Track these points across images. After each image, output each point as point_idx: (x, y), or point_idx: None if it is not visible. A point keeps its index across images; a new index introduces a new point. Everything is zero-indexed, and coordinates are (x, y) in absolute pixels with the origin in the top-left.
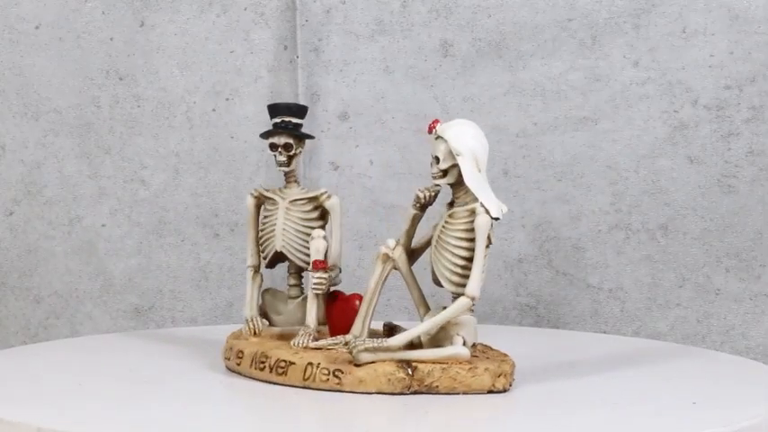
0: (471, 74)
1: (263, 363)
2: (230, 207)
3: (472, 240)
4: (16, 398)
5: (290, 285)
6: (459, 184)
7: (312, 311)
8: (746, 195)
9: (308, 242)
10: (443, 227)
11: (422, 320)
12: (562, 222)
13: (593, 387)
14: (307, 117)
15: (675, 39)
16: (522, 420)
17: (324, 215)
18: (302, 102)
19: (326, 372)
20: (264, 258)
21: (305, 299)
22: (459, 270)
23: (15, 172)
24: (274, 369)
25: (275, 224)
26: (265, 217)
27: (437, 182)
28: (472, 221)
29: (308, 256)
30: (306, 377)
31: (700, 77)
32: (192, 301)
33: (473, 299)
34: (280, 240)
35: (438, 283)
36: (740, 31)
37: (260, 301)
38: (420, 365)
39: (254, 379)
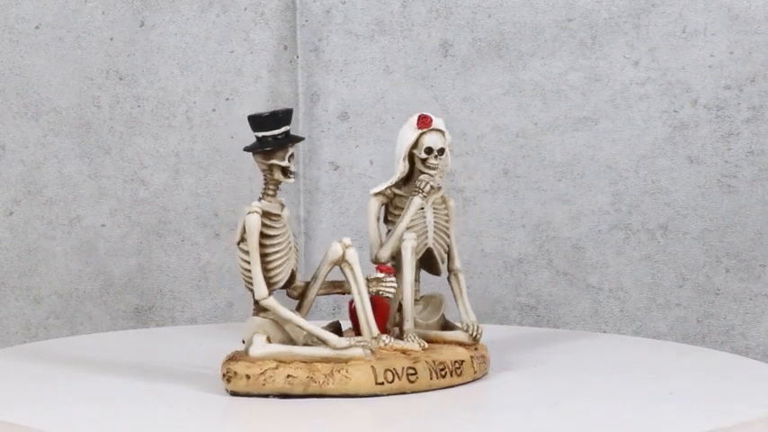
0: (471, 74)
1: (442, 369)
2: (230, 207)
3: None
4: (16, 398)
5: None
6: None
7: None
8: (746, 195)
9: None
10: (435, 213)
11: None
12: (562, 222)
13: (592, 387)
14: (307, 117)
15: (675, 39)
16: (523, 420)
17: None
18: (302, 102)
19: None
20: (281, 277)
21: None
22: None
23: (15, 172)
24: (454, 372)
25: (291, 240)
26: (275, 236)
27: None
28: (446, 206)
29: None
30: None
31: (700, 77)
32: (192, 301)
33: (460, 271)
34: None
35: (434, 270)
36: (740, 31)
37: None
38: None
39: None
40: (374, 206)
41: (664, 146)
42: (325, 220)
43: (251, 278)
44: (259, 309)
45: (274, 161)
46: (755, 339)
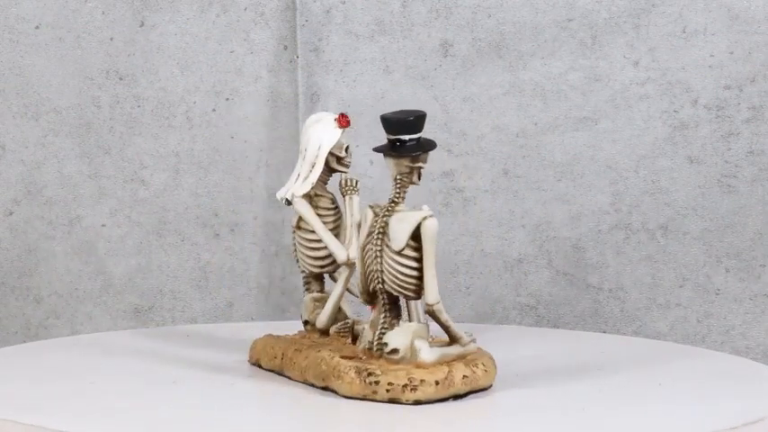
0: (471, 74)
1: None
2: (230, 207)
3: None
4: (16, 398)
5: None
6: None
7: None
8: (746, 195)
9: None
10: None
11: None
12: (562, 222)
13: (592, 387)
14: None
15: (675, 39)
16: (522, 421)
17: None
18: (302, 102)
19: None
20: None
21: None
22: None
23: (15, 172)
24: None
25: None
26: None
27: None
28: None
29: None
30: None
31: (700, 77)
32: (192, 301)
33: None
34: None
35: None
36: (740, 31)
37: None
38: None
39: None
40: (307, 207)
41: (664, 146)
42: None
43: (413, 283)
44: (393, 312)
45: (420, 164)
46: (755, 339)
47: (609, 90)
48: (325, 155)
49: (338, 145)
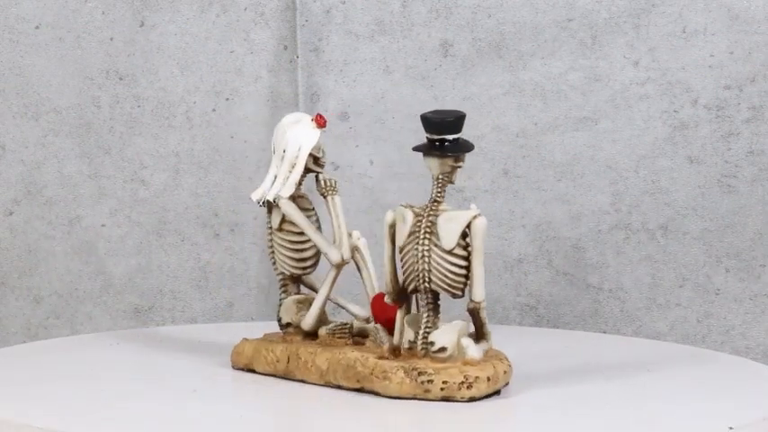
0: (471, 74)
1: None
2: (230, 207)
3: None
4: (16, 398)
5: None
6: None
7: None
8: (746, 195)
9: None
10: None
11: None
12: (562, 222)
13: (593, 387)
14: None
15: (675, 39)
16: (521, 420)
17: None
18: (302, 102)
19: None
20: None
21: None
22: None
23: (15, 172)
24: None
25: None
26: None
27: None
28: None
29: None
30: None
31: (700, 77)
32: (192, 301)
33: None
34: None
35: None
36: (740, 31)
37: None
38: None
39: None
40: (295, 208)
41: (664, 146)
42: (325, 221)
43: (461, 281)
44: (436, 311)
45: (461, 163)
46: (755, 339)
47: (609, 90)
48: (306, 156)
49: (316, 146)
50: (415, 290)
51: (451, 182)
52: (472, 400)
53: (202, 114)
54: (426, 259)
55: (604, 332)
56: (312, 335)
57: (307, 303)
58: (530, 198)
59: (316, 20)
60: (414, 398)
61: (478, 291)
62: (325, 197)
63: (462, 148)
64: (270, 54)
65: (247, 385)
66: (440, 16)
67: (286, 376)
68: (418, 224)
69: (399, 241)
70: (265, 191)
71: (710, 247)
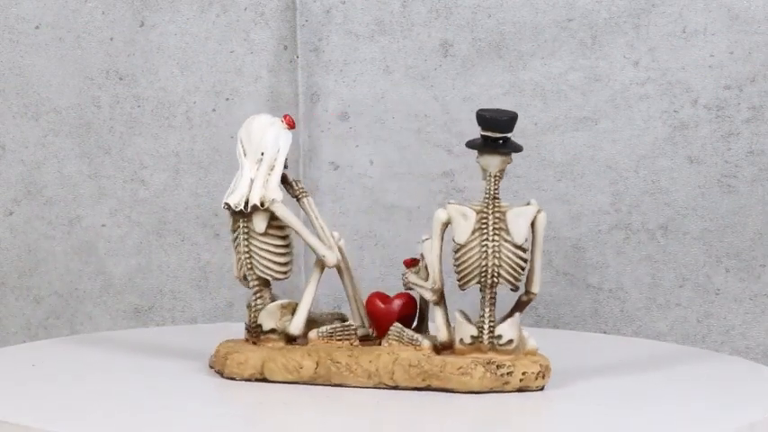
0: (471, 74)
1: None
2: None
3: None
4: (16, 398)
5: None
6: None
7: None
8: (746, 195)
9: None
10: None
11: None
12: (562, 222)
13: (592, 387)
14: (307, 117)
15: (675, 39)
16: (521, 421)
17: None
18: (302, 102)
19: None
20: None
21: None
22: None
23: (15, 172)
24: None
25: None
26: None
27: None
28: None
29: None
30: None
31: (700, 77)
32: (192, 301)
33: None
34: None
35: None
36: (740, 31)
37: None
38: None
39: None
40: (288, 210)
41: (664, 146)
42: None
43: (523, 274)
44: (495, 306)
45: (510, 161)
46: (755, 339)
47: (609, 90)
48: (284, 158)
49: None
50: (466, 284)
51: (501, 178)
52: (541, 388)
53: (202, 114)
54: (497, 254)
55: (604, 332)
56: (295, 339)
57: (289, 308)
58: (530, 198)
59: (316, 20)
60: (491, 391)
61: (538, 282)
62: (299, 199)
63: (516, 146)
64: (270, 54)
65: (257, 388)
66: (440, 16)
67: (313, 382)
68: (484, 221)
69: (460, 238)
70: (244, 195)
71: (710, 247)
